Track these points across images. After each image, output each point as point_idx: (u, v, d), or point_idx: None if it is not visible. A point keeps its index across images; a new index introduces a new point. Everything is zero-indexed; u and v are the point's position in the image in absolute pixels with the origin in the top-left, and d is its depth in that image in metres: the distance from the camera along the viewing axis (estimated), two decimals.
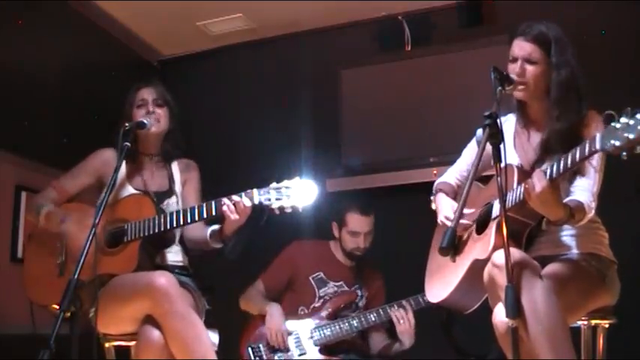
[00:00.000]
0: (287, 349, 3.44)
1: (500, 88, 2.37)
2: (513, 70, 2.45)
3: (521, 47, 2.45)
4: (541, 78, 2.44)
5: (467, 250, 2.57)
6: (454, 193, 2.76)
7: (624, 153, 1.85)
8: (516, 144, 2.58)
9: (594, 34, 3.99)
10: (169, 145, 3.05)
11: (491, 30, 4.25)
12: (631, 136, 1.82)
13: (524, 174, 2.37)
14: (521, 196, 2.27)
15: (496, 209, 2.44)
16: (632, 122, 1.82)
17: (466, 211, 2.53)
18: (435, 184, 2.83)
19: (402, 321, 3.43)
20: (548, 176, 2.16)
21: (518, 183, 2.35)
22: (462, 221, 2.52)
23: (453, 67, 4.31)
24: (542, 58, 2.43)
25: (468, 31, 4.32)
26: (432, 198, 2.79)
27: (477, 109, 2.27)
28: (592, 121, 2.38)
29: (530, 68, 2.44)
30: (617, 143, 1.85)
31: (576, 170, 2.29)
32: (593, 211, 2.30)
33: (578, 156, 2.08)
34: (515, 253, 2.14)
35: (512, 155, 2.52)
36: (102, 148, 3.01)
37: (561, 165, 2.14)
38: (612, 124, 1.88)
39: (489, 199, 2.54)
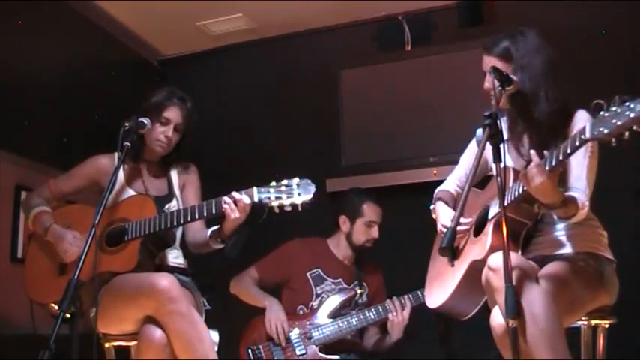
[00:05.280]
0: (287, 342, 3.43)
1: (500, 88, 2.39)
2: (485, 81, 2.53)
3: (484, 62, 2.54)
4: None
5: (465, 253, 2.57)
6: (454, 201, 2.77)
7: (613, 140, 1.87)
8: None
9: (594, 34, 3.99)
10: (172, 153, 3.05)
11: (492, 30, 4.22)
12: (618, 123, 1.84)
13: (518, 175, 2.37)
14: (517, 192, 2.28)
15: (493, 211, 2.46)
16: (619, 110, 1.84)
17: (463, 220, 2.54)
18: (435, 192, 2.85)
19: (394, 312, 3.44)
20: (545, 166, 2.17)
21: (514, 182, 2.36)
22: (460, 228, 2.52)
23: (453, 67, 4.31)
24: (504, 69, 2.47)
25: (468, 31, 4.31)
26: (431, 207, 2.80)
27: (476, 109, 2.27)
28: (578, 122, 2.38)
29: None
30: (606, 131, 1.87)
31: (567, 169, 2.32)
32: (586, 208, 2.30)
33: (569, 148, 2.09)
34: (512, 256, 2.13)
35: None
36: (98, 155, 3.02)
37: (554, 158, 2.15)
38: (601, 112, 1.90)
39: (487, 202, 2.55)
